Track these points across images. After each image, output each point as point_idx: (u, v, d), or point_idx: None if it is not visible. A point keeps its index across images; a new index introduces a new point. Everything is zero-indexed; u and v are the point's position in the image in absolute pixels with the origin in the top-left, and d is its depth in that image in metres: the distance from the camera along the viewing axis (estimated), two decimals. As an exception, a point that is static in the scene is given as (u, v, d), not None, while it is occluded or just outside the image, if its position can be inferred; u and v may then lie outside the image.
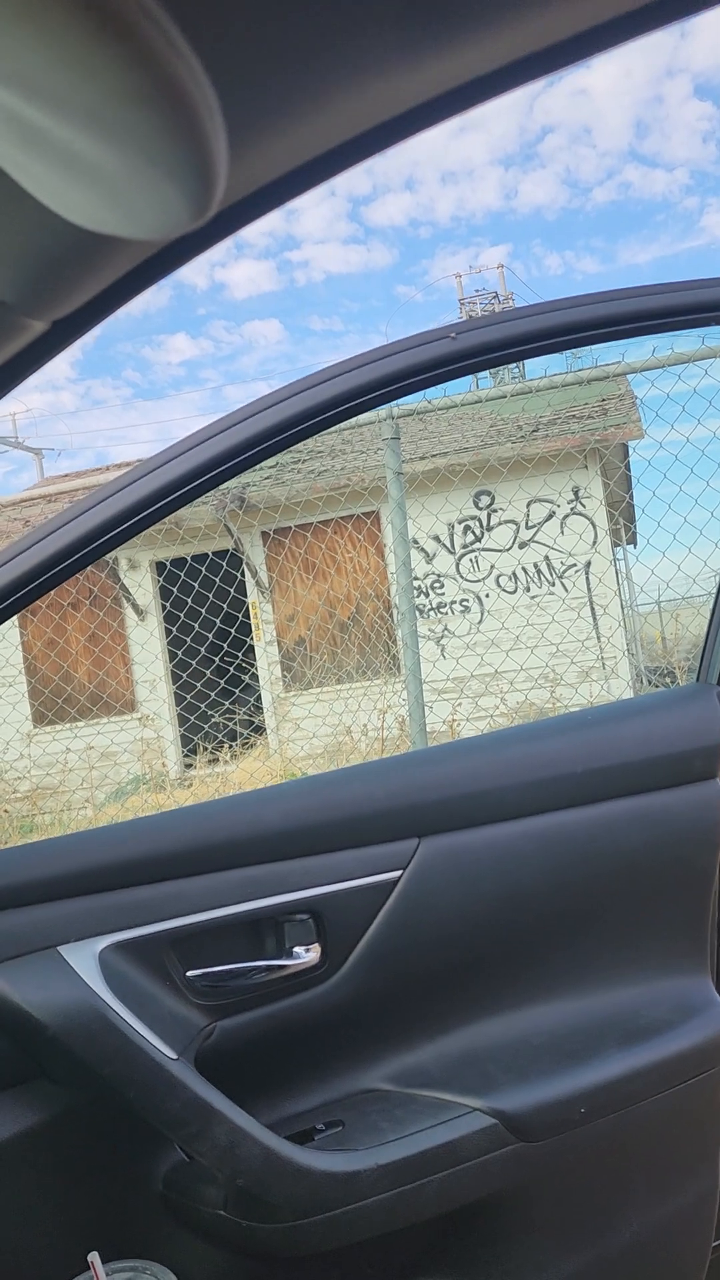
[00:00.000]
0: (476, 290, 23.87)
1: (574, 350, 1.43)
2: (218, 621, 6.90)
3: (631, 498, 9.76)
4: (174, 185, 0.41)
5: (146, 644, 11.26)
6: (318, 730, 9.83)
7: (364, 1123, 1.32)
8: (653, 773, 1.50)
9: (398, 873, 1.39)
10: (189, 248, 0.55)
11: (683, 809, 1.51)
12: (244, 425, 1.25)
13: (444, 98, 0.58)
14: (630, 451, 10.51)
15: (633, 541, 12.32)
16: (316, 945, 1.36)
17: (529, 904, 1.45)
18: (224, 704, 9.42)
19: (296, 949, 1.35)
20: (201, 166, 0.40)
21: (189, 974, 1.31)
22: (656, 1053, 1.39)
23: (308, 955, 1.36)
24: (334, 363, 1.29)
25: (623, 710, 1.65)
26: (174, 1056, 1.21)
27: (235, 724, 10.14)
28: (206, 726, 10.07)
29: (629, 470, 10.71)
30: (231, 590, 7.39)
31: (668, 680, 10.52)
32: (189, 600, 7.40)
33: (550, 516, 10.50)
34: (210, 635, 7.42)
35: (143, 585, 11.35)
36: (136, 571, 11.47)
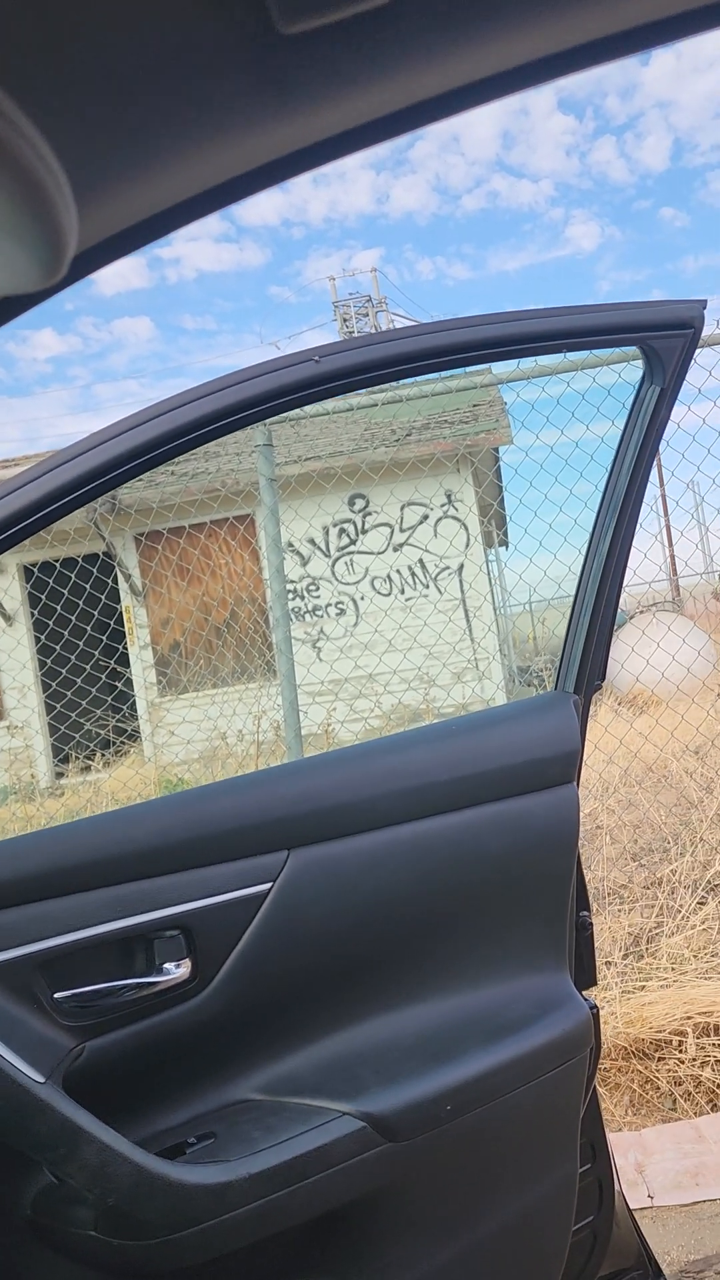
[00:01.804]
0: (350, 293, 24.10)
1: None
2: (88, 628, 6.75)
3: (502, 502, 9.99)
4: (21, 249, 0.42)
5: (14, 651, 10.94)
6: (193, 736, 9.74)
7: (236, 1133, 1.34)
8: (514, 779, 1.57)
9: (268, 885, 1.41)
10: (33, 297, 0.55)
11: (542, 813, 1.58)
12: (107, 446, 1.25)
13: (293, 156, 0.61)
14: (500, 457, 10.76)
15: (504, 544, 12.60)
16: (187, 961, 1.37)
17: (396, 910, 1.49)
18: (96, 711, 9.23)
19: (167, 965, 1.36)
20: (49, 233, 0.42)
21: (56, 996, 1.29)
22: (518, 1047, 1.45)
23: (178, 971, 1.36)
24: (199, 384, 1.31)
25: (485, 719, 1.71)
26: (41, 1080, 1.19)
27: (108, 731, 9.95)
28: (78, 735, 9.84)
29: (499, 476, 10.97)
30: (103, 596, 7.24)
31: (536, 681, 10.81)
32: (59, 606, 7.23)
33: (424, 520, 10.67)
34: (82, 642, 7.26)
35: (9, 591, 11.02)
36: (3, 576, 11.13)
